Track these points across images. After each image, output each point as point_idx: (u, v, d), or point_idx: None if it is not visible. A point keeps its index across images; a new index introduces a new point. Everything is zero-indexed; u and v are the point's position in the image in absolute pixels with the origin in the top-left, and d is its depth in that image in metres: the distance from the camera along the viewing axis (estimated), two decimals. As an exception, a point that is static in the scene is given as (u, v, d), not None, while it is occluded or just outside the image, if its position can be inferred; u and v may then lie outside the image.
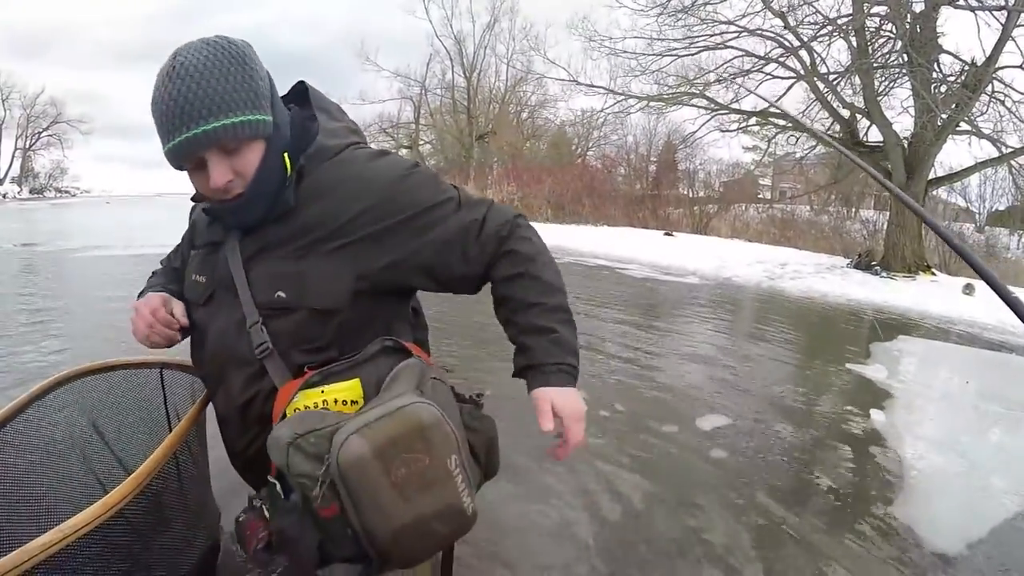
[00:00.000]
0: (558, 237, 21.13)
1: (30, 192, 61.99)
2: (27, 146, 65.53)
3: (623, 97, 23.43)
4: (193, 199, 1.86)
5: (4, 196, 54.48)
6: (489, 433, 1.70)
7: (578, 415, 1.62)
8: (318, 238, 1.60)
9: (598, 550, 2.97)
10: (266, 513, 1.46)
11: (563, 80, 26.50)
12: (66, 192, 67.91)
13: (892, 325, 10.51)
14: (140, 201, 54.92)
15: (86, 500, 2.02)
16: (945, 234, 1.26)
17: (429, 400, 1.46)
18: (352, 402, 1.51)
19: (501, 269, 1.69)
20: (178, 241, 2.01)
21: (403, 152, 43.10)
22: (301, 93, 1.82)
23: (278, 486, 1.47)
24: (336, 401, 1.50)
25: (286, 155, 1.62)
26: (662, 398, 5.27)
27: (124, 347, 5.74)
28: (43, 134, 65.76)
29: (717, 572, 2.83)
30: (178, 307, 1.78)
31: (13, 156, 64.74)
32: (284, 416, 1.48)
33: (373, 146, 1.82)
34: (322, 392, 1.50)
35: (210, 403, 1.89)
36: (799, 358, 7.28)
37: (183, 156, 1.50)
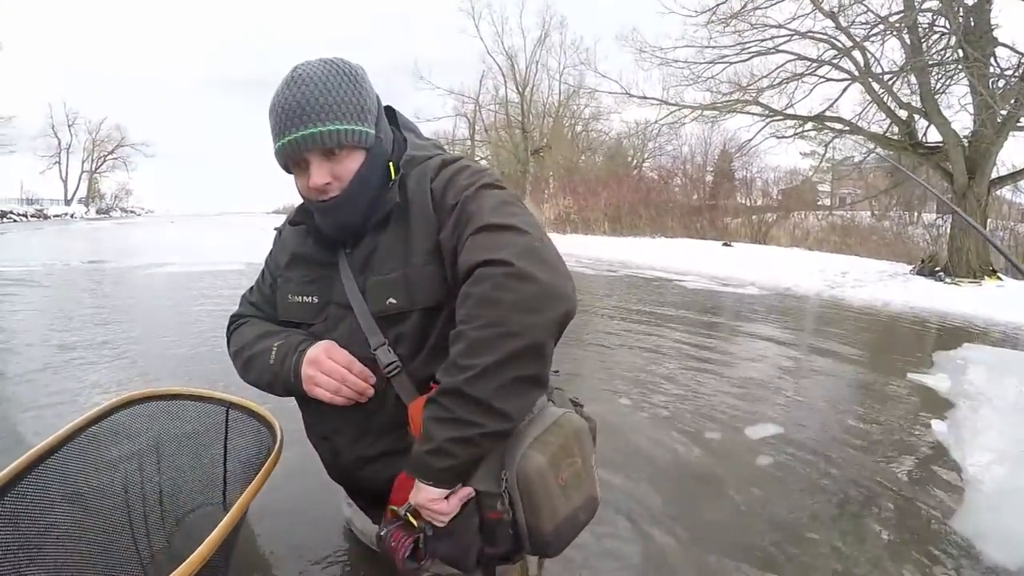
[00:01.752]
0: (616, 250, 21.16)
1: (96, 212, 64.12)
2: (93, 168, 68.21)
3: (676, 107, 23.32)
4: (290, 222, 2.03)
5: (72, 215, 56.37)
6: (595, 424, 1.87)
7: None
8: (415, 240, 1.74)
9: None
10: (412, 520, 1.57)
11: (615, 93, 26.45)
12: (131, 212, 70.19)
13: (957, 333, 10.27)
14: (201, 219, 56.06)
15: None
16: (999, 247, 1.24)
17: (570, 409, 1.77)
18: None
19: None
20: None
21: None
22: (390, 116, 2.00)
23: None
24: None
25: (391, 164, 1.84)
26: (714, 404, 5.22)
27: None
28: (108, 157, 68.39)
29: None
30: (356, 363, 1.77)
31: (80, 178, 67.56)
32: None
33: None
34: None
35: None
36: (859, 368, 7.10)
37: (289, 155, 1.72)
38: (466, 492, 1.55)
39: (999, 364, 7.77)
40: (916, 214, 29.28)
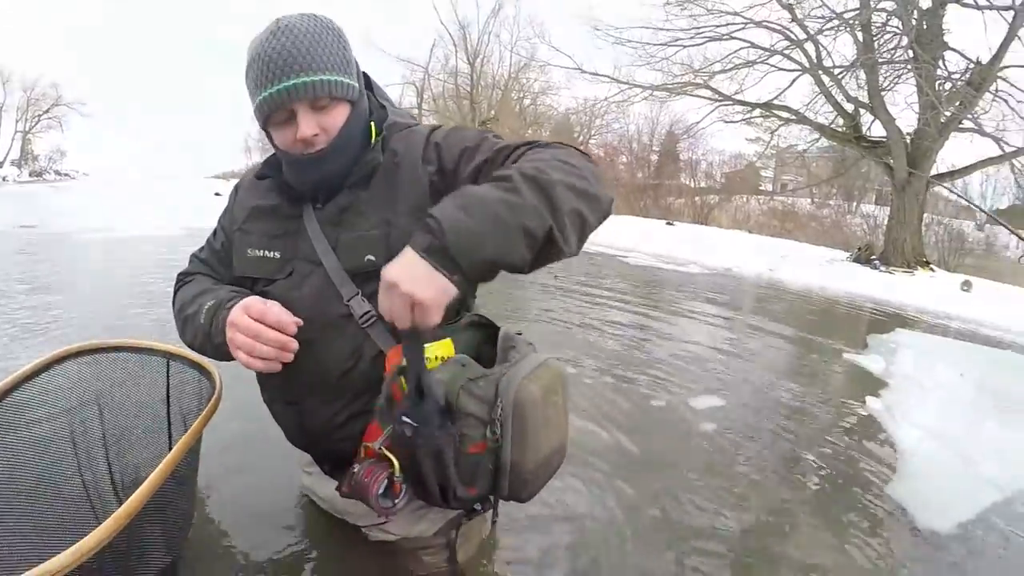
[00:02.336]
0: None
1: (30, 175, 61.33)
2: (27, 129, 64.95)
3: (627, 86, 23.47)
4: (256, 176, 1.97)
5: (4, 179, 53.91)
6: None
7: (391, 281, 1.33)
8: (402, 201, 1.72)
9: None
10: (387, 454, 1.55)
11: (567, 68, 26.47)
12: (66, 175, 67.22)
13: (890, 318, 10.61)
14: (139, 183, 54.19)
15: (69, 486, 2.13)
16: None
17: (552, 357, 1.77)
18: (444, 358, 1.64)
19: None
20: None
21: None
22: (367, 82, 1.93)
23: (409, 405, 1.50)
24: (435, 357, 1.62)
25: (373, 124, 1.82)
26: (655, 376, 5.33)
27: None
28: (43, 116, 65.19)
29: (702, 543, 2.88)
30: (285, 312, 1.67)
31: (13, 139, 64.05)
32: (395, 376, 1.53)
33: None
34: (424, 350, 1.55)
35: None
36: (797, 348, 7.32)
37: (276, 105, 1.64)
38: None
39: (928, 349, 8.13)
40: (855, 204, 29.89)
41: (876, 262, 17.39)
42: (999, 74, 16.64)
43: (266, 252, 1.85)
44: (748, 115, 22.65)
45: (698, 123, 24.30)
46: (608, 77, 23.90)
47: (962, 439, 4.65)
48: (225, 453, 2.49)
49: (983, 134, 17.77)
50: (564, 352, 5.69)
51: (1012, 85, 17.01)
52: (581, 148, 1.63)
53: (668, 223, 23.57)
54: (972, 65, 16.70)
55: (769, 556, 2.84)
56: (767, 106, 21.32)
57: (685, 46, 21.24)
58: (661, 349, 6.40)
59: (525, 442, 1.59)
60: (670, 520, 3.02)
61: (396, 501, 1.58)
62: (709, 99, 22.18)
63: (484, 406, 1.55)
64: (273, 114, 1.68)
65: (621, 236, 18.88)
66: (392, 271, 1.31)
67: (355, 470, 1.57)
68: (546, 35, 32.87)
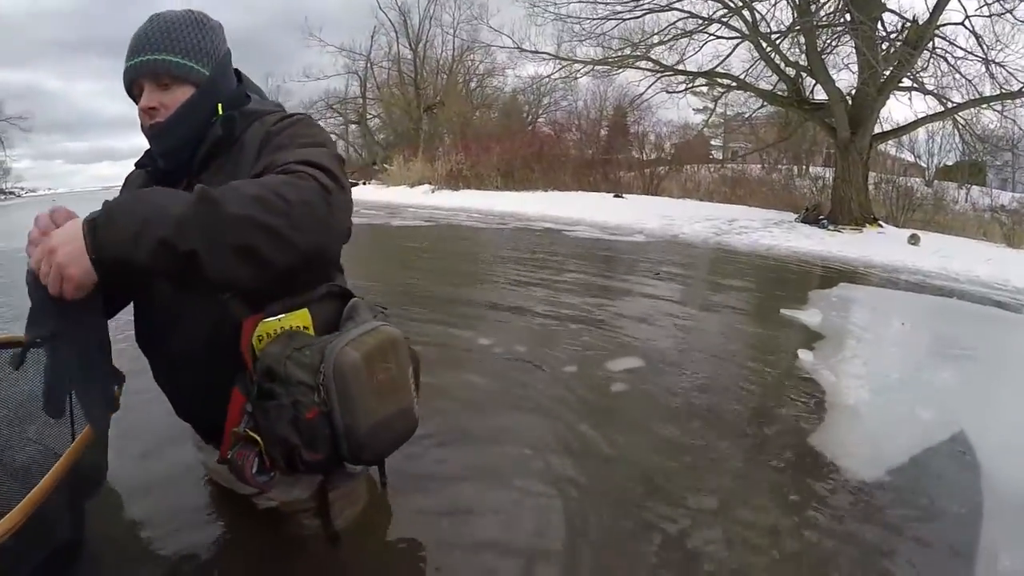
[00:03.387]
0: (508, 204, 21.08)
1: (-32, 195, 59.31)
2: None
3: (568, 62, 23.30)
4: (136, 164, 2.09)
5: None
6: (417, 361, 2.06)
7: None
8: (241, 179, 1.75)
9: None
10: (252, 435, 1.71)
11: (508, 48, 26.22)
12: (11, 193, 65.28)
13: (835, 274, 10.66)
14: (87, 197, 53.46)
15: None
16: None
17: (391, 324, 1.93)
18: (304, 328, 1.83)
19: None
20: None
21: (351, 127, 42.54)
22: (240, 77, 2.13)
23: (259, 396, 1.71)
24: (292, 327, 1.81)
25: (220, 106, 1.94)
26: (583, 341, 5.32)
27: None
28: (-20, 133, 63.11)
29: (615, 497, 2.89)
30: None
31: None
32: (252, 346, 1.75)
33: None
34: (279, 320, 1.78)
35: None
36: (733, 307, 7.34)
37: (128, 79, 1.90)
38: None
39: (869, 301, 8.19)
40: (804, 167, 30.00)
41: (824, 221, 17.53)
42: (936, 32, 16.69)
43: None
44: (691, 85, 22.56)
45: (641, 95, 24.11)
46: (548, 55, 23.72)
47: (897, 386, 4.71)
48: (124, 438, 2.43)
49: (924, 92, 17.98)
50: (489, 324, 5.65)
51: (951, 43, 17.22)
52: (326, 176, 1.59)
53: (617, 195, 23.46)
54: (909, 24, 16.72)
55: (690, 510, 2.81)
56: (708, 75, 21.30)
57: (624, 19, 21.08)
58: (587, 314, 6.42)
59: (353, 406, 1.71)
60: (584, 473, 3.04)
61: (272, 474, 1.76)
62: (651, 71, 22.11)
63: (311, 373, 1.69)
64: (131, 88, 1.92)
65: (569, 210, 18.88)
66: (56, 237, 1.39)
67: (229, 456, 1.74)
68: (485, 16, 32.40)
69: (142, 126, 1.92)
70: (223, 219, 1.38)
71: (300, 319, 1.81)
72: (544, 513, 2.70)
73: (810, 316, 6.58)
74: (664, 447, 3.42)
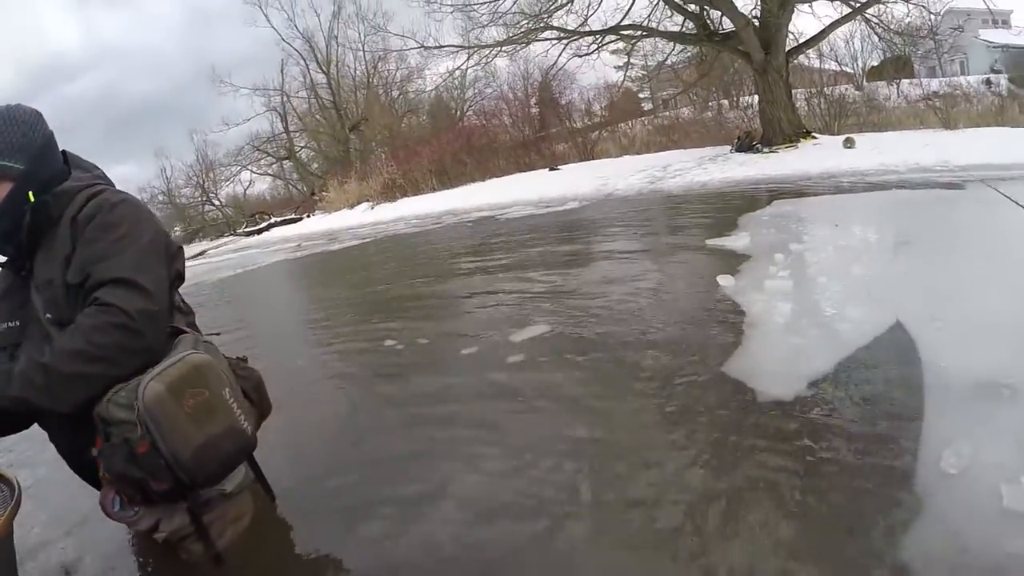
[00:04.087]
0: (444, 203, 20.82)
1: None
2: None
3: (475, 49, 23.03)
4: None
5: None
6: (255, 379, 2.29)
7: None
8: (57, 259, 2.02)
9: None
10: (106, 475, 1.89)
11: (412, 49, 25.91)
12: None
13: (769, 194, 10.54)
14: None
15: None
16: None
17: (202, 352, 2.01)
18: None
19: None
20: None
21: (284, 164, 42.02)
22: (66, 156, 2.27)
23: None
24: None
25: (31, 193, 2.04)
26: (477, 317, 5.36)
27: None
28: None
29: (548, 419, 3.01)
30: None
31: None
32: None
33: (154, 183, 2.45)
34: None
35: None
36: (656, 251, 7.17)
37: None
38: None
39: (801, 213, 8.01)
40: (735, 98, 29.82)
41: (758, 146, 17.56)
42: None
43: (8, 323, 2.11)
44: (600, 43, 22.32)
45: (554, 64, 23.89)
46: (455, 46, 23.44)
47: (827, 288, 4.55)
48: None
49: (828, -2, 17.82)
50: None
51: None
52: (131, 296, 1.91)
53: (552, 168, 23.19)
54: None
55: (601, 445, 2.77)
56: (614, 30, 21.18)
57: (514, -8, 20.81)
58: (502, 288, 6.29)
59: (169, 434, 1.83)
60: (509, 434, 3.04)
61: (136, 509, 1.98)
62: (557, 39, 21.91)
63: (130, 411, 1.83)
64: None
65: (503, 195, 18.69)
66: None
67: (100, 502, 2.00)
68: (386, 24, 31.96)
69: None
70: (58, 382, 1.82)
71: None
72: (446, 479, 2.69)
73: (736, 240, 6.39)
74: (569, 385, 3.40)
